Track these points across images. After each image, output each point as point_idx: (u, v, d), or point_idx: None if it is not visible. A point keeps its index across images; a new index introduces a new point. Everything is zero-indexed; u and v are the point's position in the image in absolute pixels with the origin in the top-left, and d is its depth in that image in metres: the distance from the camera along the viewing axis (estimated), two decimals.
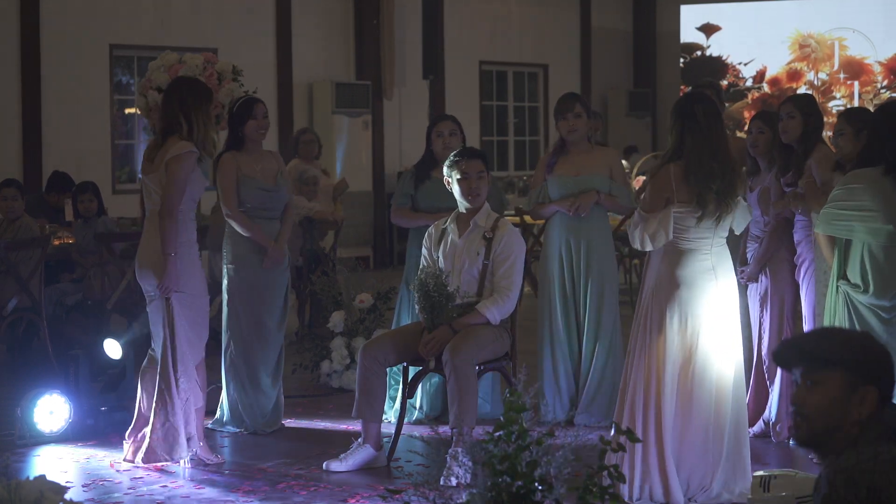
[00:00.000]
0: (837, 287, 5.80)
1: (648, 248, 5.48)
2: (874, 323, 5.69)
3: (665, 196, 5.43)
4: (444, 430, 6.52)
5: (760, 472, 5.45)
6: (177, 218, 6.22)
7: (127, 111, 14.71)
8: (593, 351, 7.16)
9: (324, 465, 6.24)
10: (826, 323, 5.89)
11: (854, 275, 5.74)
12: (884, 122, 5.77)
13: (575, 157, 7.23)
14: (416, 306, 6.39)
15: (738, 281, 6.80)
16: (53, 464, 6.43)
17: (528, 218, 11.96)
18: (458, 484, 5.59)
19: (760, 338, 6.79)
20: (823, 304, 6.09)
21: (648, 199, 5.49)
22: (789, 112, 6.55)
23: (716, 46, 19.21)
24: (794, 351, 2.89)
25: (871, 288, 5.67)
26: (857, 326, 5.70)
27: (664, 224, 5.41)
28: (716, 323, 5.51)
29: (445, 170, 6.55)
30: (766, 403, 6.76)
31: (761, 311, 6.78)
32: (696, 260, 5.48)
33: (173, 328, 6.26)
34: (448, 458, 5.87)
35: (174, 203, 6.20)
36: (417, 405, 7.32)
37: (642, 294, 5.58)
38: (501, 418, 3.90)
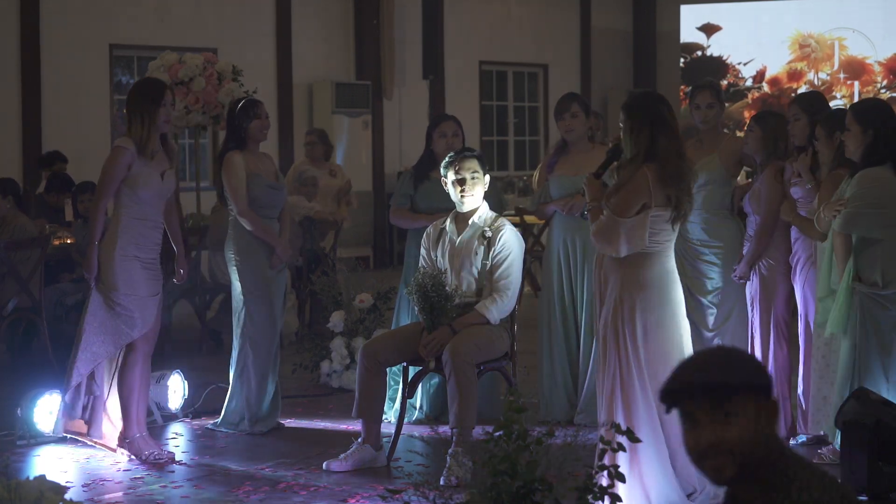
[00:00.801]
0: (853, 289, 5.81)
1: (623, 253, 5.33)
2: (886, 322, 5.73)
3: (642, 201, 5.32)
4: (444, 430, 6.51)
5: None
6: (101, 209, 6.48)
7: None
8: (591, 350, 7.15)
9: (324, 465, 6.24)
10: (838, 328, 5.88)
11: (875, 273, 5.76)
12: (889, 121, 5.80)
13: (575, 156, 7.24)
14: (415, 307, 6.39)
15: (733, 279, 6.87)
16: (53, 464, 6.43)
17: (528, 218, 11.97)
18: (458, 484, 5.59)
19: (752, 337, 6.81)
20: (820, 312, 6.11)
21: (623, 203, 5.33)
22: (795, 114, 6.54)
23: (716, 46, 19.21)
24: (692, 388, 2.56)
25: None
26: (870, 329, 5.72)
27: (641, 229, 5.31)
28: (683, 321, 5.49)
29: (441, 170, 6.57)
30: None
31: (752, 312, 6.80)
32: (663, 262, 5.41)
33: (84, 315, 6.53)
34: (448, 458, 5.88)
35: (100, 193, 6.51)
36: (417, 405, 7.31)
37: (604, 300, 5.44)
38: (501, 418, 3.91)
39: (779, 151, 6.66)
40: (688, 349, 5.48)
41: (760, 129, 6.72)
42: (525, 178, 17.76)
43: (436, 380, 7.19)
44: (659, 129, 5.33)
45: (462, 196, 6.46)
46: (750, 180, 7.55)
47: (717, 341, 6.97)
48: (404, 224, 7.49)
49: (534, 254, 11.36)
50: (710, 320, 7.01)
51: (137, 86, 6.72)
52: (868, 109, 5.99)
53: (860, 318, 5.78)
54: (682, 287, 7.07)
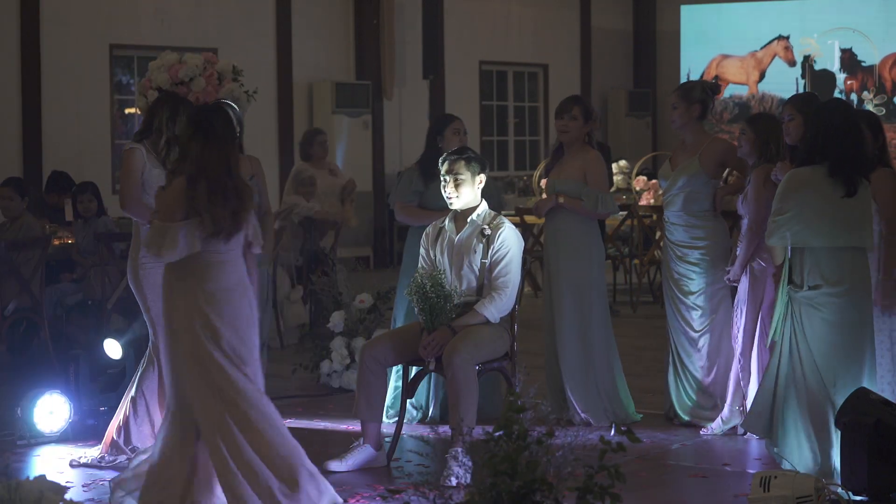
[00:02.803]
0: (788, 294, 5.81)
1: (175, 258, 5.13)
2: (821, 326, 5.72)
3: (184, 207, 5.14)
4: (445, 430, 6.51)
5: (760, 472, 5.46)
6: (140, 208, 6.30)
7: (127, 111, 14.72)
8: (567, 353, 7.17)
9: (324, 465, 6.24)
10: (779, 334, 5.87)
11: (798, 275, 5.75)
12: (832, 122, 5.75)
13: (566, 159, 7.32)
14: (415, 308, 6.39)
15: (726, 281, 6.89)
16: (53, 464, 6.42)
17: (528, 218, 11.97)
18: (458, 484, 5.59)
19: (735, 336, 6.82)
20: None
21: (166, 209, 5.14)
22: (790, 114, 6.51)
23: (716, 46, 19.22)
24: None
25: (827, 281, 5.72)
26: (805, 331, 5.71)
27: (191, 235, 5.13)
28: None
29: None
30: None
31: (738, 311, 6.81)
32: (229, 272, 5.27)
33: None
34: (448, 458, 5.88)
35: (128, 196, 6.35)
36: (418, 405, 7.32)
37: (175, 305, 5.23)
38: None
39: (770, 153, 6.66)
40: None
41: (753, 131, 6.73)
42: (525, 178, 17.77)
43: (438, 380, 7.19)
44: (210, 142, 5.19)
45: (447, 197, 6.51)
46: (728, 181, 7.60)
47: (703, 340, 7.00)
48: (413, 220, 7.40)
49: (534, 254, 11.37)
50: (696, 321, 7.03)
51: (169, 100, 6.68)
52: (809, 102, 6.00)
53: (795, 322, 5.77)
54: (668, 288, 7.17)
